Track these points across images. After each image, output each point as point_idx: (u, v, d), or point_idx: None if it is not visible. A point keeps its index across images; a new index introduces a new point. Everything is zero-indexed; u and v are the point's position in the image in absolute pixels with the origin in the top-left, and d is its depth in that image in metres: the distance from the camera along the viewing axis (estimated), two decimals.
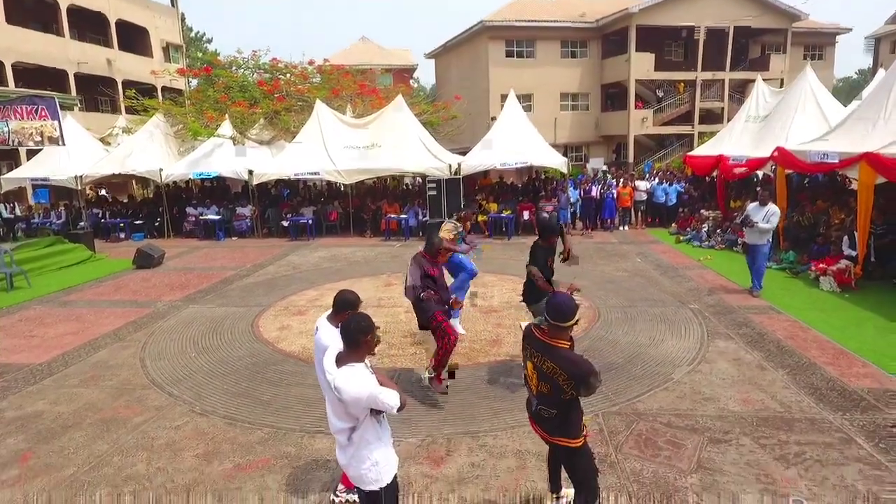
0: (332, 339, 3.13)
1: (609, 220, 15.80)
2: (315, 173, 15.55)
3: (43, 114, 12.00)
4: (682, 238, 13.62)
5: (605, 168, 22.34)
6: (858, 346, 6.40)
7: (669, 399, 5.30)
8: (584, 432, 3.21)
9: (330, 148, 15.71)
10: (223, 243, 15.57)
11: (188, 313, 8.59)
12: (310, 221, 15.83)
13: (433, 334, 5.40)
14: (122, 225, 16.60)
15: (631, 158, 32.53)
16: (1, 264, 10.35)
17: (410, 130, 15.95)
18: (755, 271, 8.69)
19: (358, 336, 2.86)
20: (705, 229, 13.36)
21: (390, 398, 2.77)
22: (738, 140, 14.68)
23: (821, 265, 9.14)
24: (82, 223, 16.47)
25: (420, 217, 15.53)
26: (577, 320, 3.21)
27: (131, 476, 4.27)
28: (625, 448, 4.47)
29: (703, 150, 17.01)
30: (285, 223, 16.01)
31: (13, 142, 11.46)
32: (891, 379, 5.55)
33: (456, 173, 14.89)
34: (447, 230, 6.55)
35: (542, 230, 5.88)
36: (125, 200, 19.82)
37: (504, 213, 15.25)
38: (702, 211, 14.61)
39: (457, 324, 6.62)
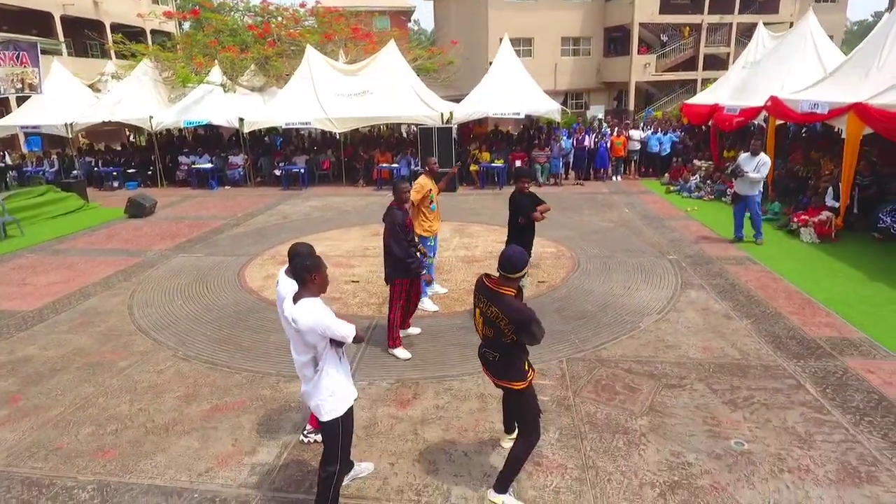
0: (289, 289, 3.27)
1: (602, 170, 15.72)
2: (306, 123, 15.39)
3: (24, 60, 11.80)
4: (672, 188, 13.60)
5: (600, 116, 21.96)
6: (826, 297, 6.56)
7: (633, 346, 5.50)
8: (530, 377, 3.38)
9: (321, 95, 15.46)
10: (216, 192, 15.59)
11: (177, 262, 8.77)
12: (302, 170, 15.80)
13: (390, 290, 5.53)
14: (115, 174, 16.58)
15: (632, 106, 31.91)
16: None
17: (402, 77, 15.65)
18: (753, 221, 8.76)
19: (304, 275, 3.03)
20: (695, 180, 13.31)
21: (343, 327, 2.97)
22: (734, 88, 14.42)
23: (802, 216, 9.19)
24: (76, 171, 16.47)
25: (412, 166, 15.46)
26: (526, 272, 3.32)
27: (114, 416, 4.53)
28: (583, 392, 4.69)
29: (699, 98, 16.73)
30: (278, 172, 15.98)
31: (0, 90, 11.32)
32: (850, 328, 5.73)
33: (448, 122, 14.72)
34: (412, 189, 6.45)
35: (514, 175, 5.92)
36: (118, 149, 19.71)
37: (496, 163, 15.16)
38: (694, 161, 14.52)
39: (429, 302, 6.68)
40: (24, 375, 5.26)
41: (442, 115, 14.75)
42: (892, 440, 3.91)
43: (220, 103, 16.12)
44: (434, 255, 6.73)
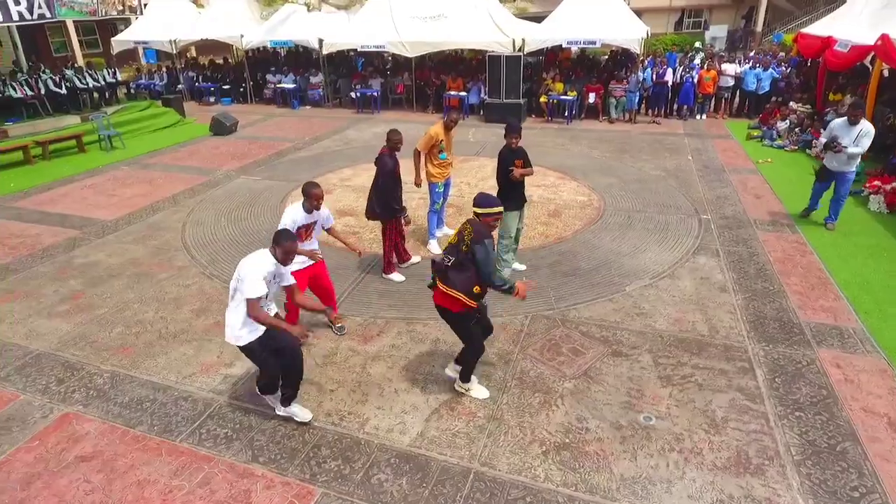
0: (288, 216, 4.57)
1: (685, 108, 14.56)
2: (381, 46, 15.55)
3: None
4: (754, 134, 12.42)
5: (698, 45, 19.79)
6: (847, 278, 6.11)
7: (605, 310, 5.62)
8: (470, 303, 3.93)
9: (396, 17, 15.46)
10: (297, 112, 16.57)
11: (236, 184, 9.81)
12: (376, 94, 16.21)
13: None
14: (212, 89, 18.03)
15: (760, 26, 28.28)
16: (101, 127, 12.11)
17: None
18: (835, 202, 7.34)
19: (274, 242, 3.77)
20: (784, 126, 12.02)
21: (250, 289, 3.62)
22: (856, 18, 12.42)
23: (875, 182, 8.22)
24: (180, 86, 18.14)
25: (482, 94, 15.30)
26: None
27: (141, 320, 5.59)
28: (529, 350, 5.00)
29: (817, 26, 14.57)
30: (353, 95, 16.52)
31: (102, 12, 12.62)
32: (851, 316, 5.39)
33: (519, 50, 14.21)
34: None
35: (505, 129, 5.92)
36: (221, 63, 21.16)
37: (568, 96, 14.54)
38: (791, 103, 13.00)
39: (435, 244, 7.03)
40: (89, 277, 6.51)
41: (514, 41, 14.25)
42: (808, 439, 3.91)
43: (303, 23, 16.68)
44: (441, 200, 7.01)
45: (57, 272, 6.66)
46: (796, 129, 11.81)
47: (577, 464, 3.74)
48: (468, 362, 4.29)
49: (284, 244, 3.75)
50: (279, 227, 4.16)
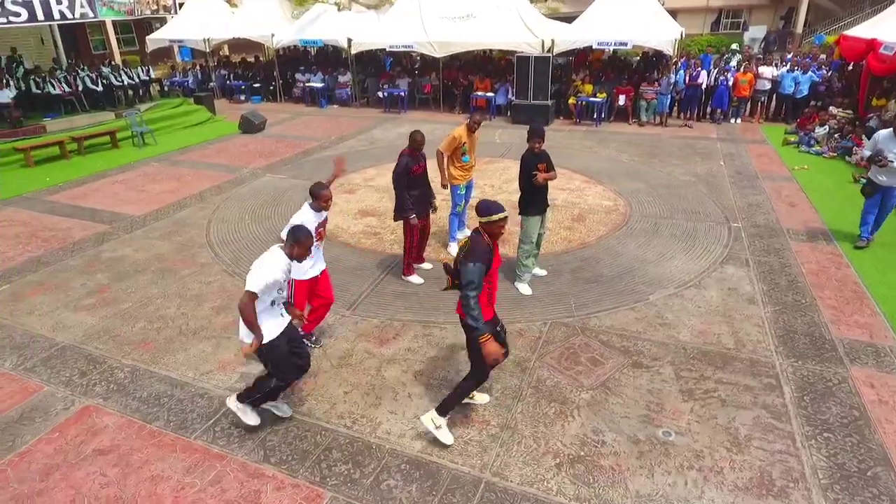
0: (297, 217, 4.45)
1: (718, 111, 14.17)
2: (409, 46, 15.55)
3: None
4: (790, 140, 12.01)
5: (735, 46, 19.25)
6: (886, 293, 5.83)
7: (627, 319, 5.48)
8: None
9: (425, 17, 15.46)
10: (325, 111, 16.70)
11: (261, 182, 9.91)
12: (403, 93, 16.23)
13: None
14: (243, 87, 18.31)
15: (800, 27, 27.40)
16: (133, 124, 12.40)
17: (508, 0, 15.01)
18: (880, 217, 6.92)
19: (288, 238, 3.76)
20: (823, 132, 11.60)
21: (253, 283, 3.59)
22: None
23: None
24: (213, 83, 18.47)
25: (509, 96, 15.17)
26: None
27: (163, 316, 5.67)
28: (546, 358, 4.90)
29: (863, 28, 14.02)
30: (381, 94, 16.57)
31: (138, 12, 12.92)
32: (888, 333, 5.15)
33: (548, 51, 14.04)
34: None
35: (528, 133, 5.78)
36: (252, 60, 21.48)
37: (598, 98, 14.31)
38: (830, 108, 12.55)
39: (455, 247, 6.96)
40: (116, 272, 6.64)
41: (543, 42, 14.09)
42: (837, 462, 3.73)
43: (333, 22, 16.80)
44: (463, 202, 6.95)
45: (85, 266, 6.83)
46: (836, 135, 11.38)
47: (591, 478, 3.64)
48: (462, 389, 3.88)
49: (302, 240, 3.71)
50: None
